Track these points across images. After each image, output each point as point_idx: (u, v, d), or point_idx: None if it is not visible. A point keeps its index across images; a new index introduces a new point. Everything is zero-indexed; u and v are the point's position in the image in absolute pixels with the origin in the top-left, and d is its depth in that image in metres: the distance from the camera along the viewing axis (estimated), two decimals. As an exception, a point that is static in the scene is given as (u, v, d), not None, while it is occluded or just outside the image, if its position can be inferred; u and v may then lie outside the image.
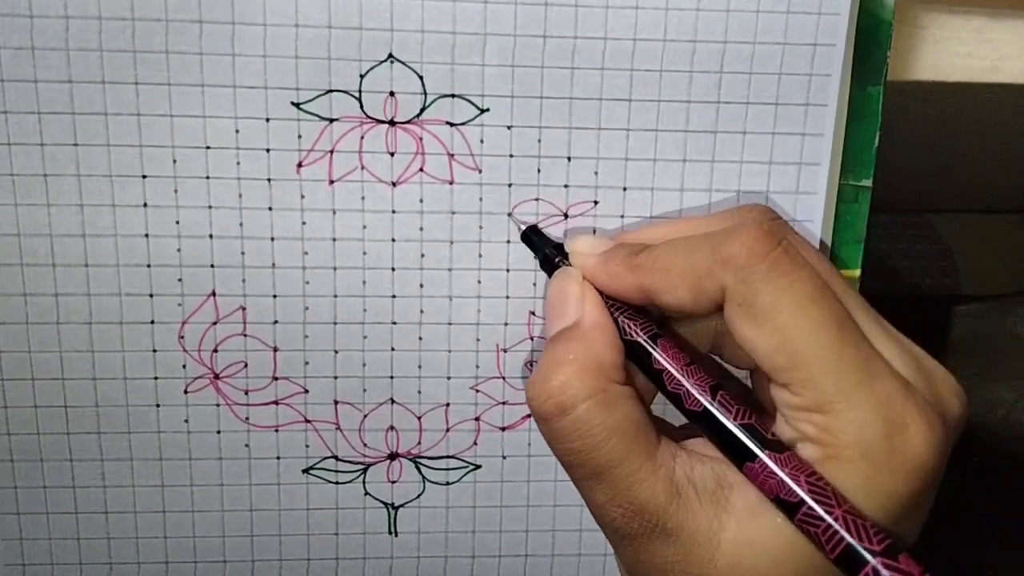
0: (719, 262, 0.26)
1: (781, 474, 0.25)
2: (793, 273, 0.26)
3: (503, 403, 0.36)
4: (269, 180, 0.33)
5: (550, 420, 0.28)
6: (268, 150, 0.33)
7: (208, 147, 0.32)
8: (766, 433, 0.26)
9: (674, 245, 0.28)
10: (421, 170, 0.33)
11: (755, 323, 0.26)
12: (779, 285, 0.26)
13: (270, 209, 0.33)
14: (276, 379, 0.35)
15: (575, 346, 0.28)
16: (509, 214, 0.34)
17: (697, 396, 0.27)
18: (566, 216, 0.34)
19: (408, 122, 0.33)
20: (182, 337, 0.34)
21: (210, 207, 0.33)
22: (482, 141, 0.33)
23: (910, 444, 0.25)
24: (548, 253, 0.32)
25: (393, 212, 0.34)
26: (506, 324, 0.35)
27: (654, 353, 0.28)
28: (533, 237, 0.33)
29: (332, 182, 0.33)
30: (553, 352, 0.29)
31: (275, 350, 0.35)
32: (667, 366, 0.28)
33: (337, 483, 0.36)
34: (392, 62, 0.32)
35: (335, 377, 0.35)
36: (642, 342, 0.28)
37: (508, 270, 0.34)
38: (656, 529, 0.27)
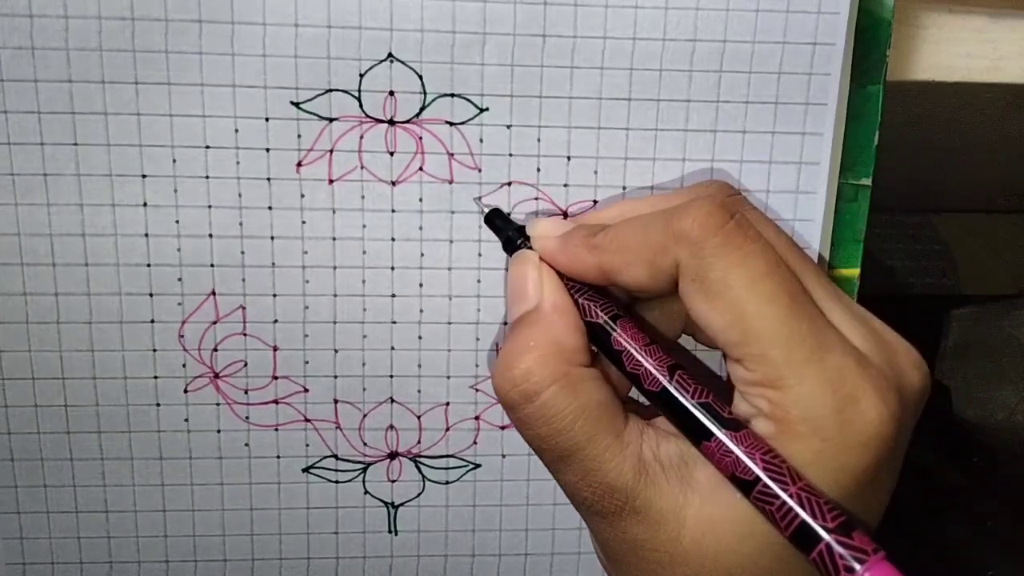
0: (672, 237, 0.26)
1: (737, 451, 0.25)
2: (745, 247, 0.26)
3: (503, 402, 0.36)
4: (269, 179, 0.33)
5: (516, 408, 0.28)
6: (268, 149, 0.33)
7: (208, 146, 0.33)
8: (723, 412, 0.26)
9: (630, 223, 0.28)
10: (421, 169, 0.33)
11: (708, 298, 0.26)
12: (731, 260, 0.26)
13: (270, 208, 0.33)
14: (276, 378, 0.35)
15: (536, 331, 0.28)
16: (476, 199, 0.34)
17: (656, 376, 0.27)
18: (566, 215, 0.34)
19: (408, 121, 0.33)
20: (182, 336, 0.34)
21: (210, 206, 0.33)
22: (481, 140, 0.33)
23: (861, 418, 0.25)
24: (511, 235, 0.32)
25: (393, 211, 0.34)
26: (505, 323, 0.35)
27: (613, 334, 0.28)
28: (496, 220, 0.33)
29: (332, 181, 0.33)
30: (515, 338, 0.29)
31: (275, 349, 0.35)
32: (626, 346, 0.28)
33: (337, 482, 0.36)
34: (392, 61, 0.32)
35: (335, 376, 0.35)
36: (601, 323, 0.28)
37: (507, 269, 0.34)
38: (626, 507, 0.27)
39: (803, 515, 0.24)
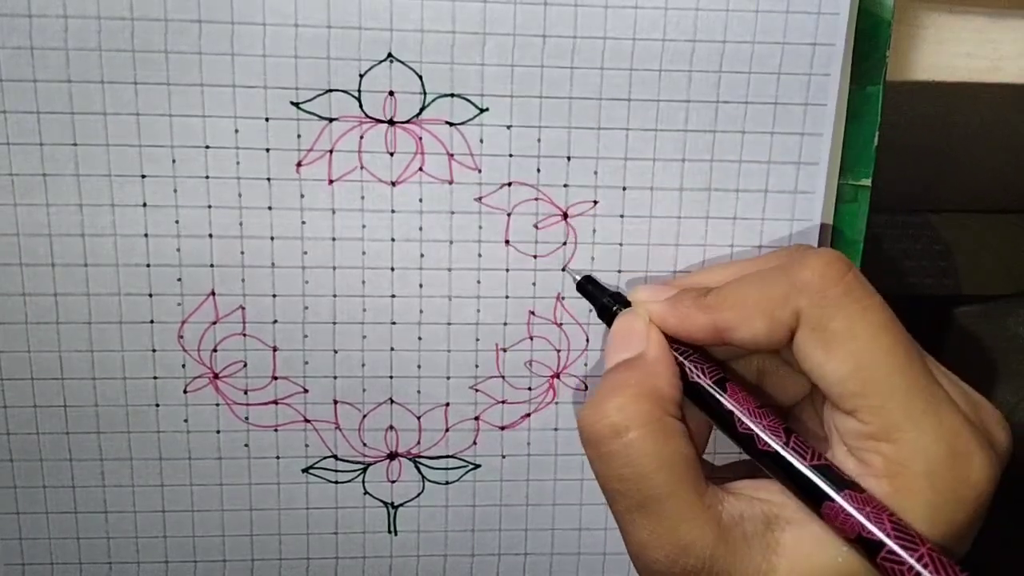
0: (794, 289, 0.27)
1: (860, 515, 0.25)
2: (866, 300, 0.26)
3: (502, 402, 0.36)
4: (268, 180, 0.33)
5: (602, 442, 0.27)
6: (267, 150, 0.33)
7: (207, 147, 0.32)
8: (842, 474, 0.26)
9: (744, 280, 0.28)
10: (420, 170, 0.33)
11: (827, 348, 0.26)
12: (853, 311, 0.26)
13: (269, 209, 0.33)
14: (276, 379, 0.35)
15: (636, 374, 0.28)
16: (563, 269, 0.34)
17: (769, 439, 0.27)
18: (565, 216, 0.34)
19: (407, 122, 0.33)
20: (181, 337, 0.34)
21: (209, 207, 0.33)
22: (481, 141, 0.33)
23: (973, 474, 0.25)
24: (606, 302, 0.32)
25: (392, 212, 0.34)
26: (505, 324, 0.35)
27: (722, 396, 0.28)
28: (589, 287, 0.33)
29: (331, 182, 0.33)
30: (612, 377, 0.29)
31: (274, 350, 0.35)
32: (735, 408, 0.28)
33: (337, 482, 0.36)
34: (391, 62, 0.32)
35: (335, 377, 0.35)
36: (708, 384, 0.28)
37: (507, 270, 0.34)
38: (702, 572, 0.26)
39: None
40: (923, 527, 0.25)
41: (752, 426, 0.27)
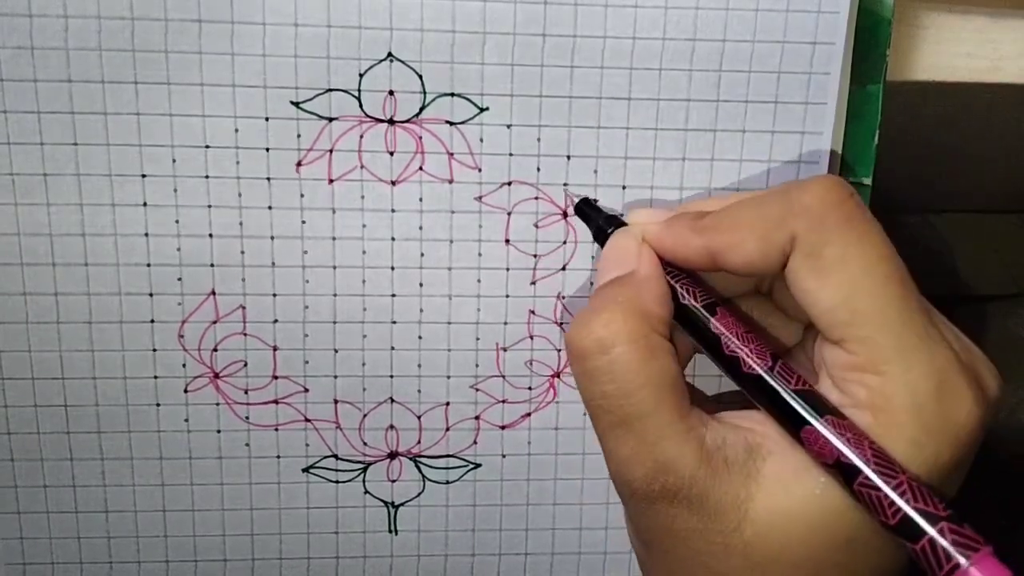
0: (791, 212, 0.26)
1: (839, 441, 0.24)
2: (864, 227, 0.25)
3: (503, 402, 0.36)
4: (269, 179, 0.33)
5: (588, 357, 0.27)
6: (268, 149, 0.33)
7: (208, 146, 0.33)
8: (825, 401, 0.26)
9: (742, 203, 0.28)
10: (421, 169, 0.33)
11: (820, 275, 0.25)
12: (850, 238, 0.25)
13: (270, 208, 0.33)
14: (276, 378, 0.35)
15: (625, 290, 0.28)
16: (564, 184, 0.34)
17: (753, 363, 0.27)
18: (565, 215, 0.34)
19: (407, 121, 0.33)
20: (182, 336, 0.34)
21: (210, 206, 0.33)
22: (481, 140, 0.33)
23: (960, 412, 0.25)
24: (602, 224, 0.31)
25: (393, 211, 0.34)
26: (505, 323, 0.35)
27: (710, 319, 0.28)
28: (586, 209, 0.33)
29: (332, 181, 0.33)
30: (601, 294, 0.28)
31: (275, 349, 0.35)
32: (724, 331, 0.27)
33: (337, 482, 0.36)
34: (391, 61, 0.32)
35: (335, 376, 0.35)
36: (699, 306, 0.28)
37: (508, 269, 0.34)
38: (679, 494, 0.26)
39: (911, 505, 0.24)
40: (905, 462, 0.24)
41: (737, 350, 0.27)
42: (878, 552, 0.25)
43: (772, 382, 0.26)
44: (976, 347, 0.27)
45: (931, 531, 0.23)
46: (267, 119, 0.32)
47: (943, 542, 0.23)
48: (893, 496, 0.24)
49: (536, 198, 0.34)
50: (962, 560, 0.23)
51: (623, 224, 0.31)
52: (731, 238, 0.27)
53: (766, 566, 0.26)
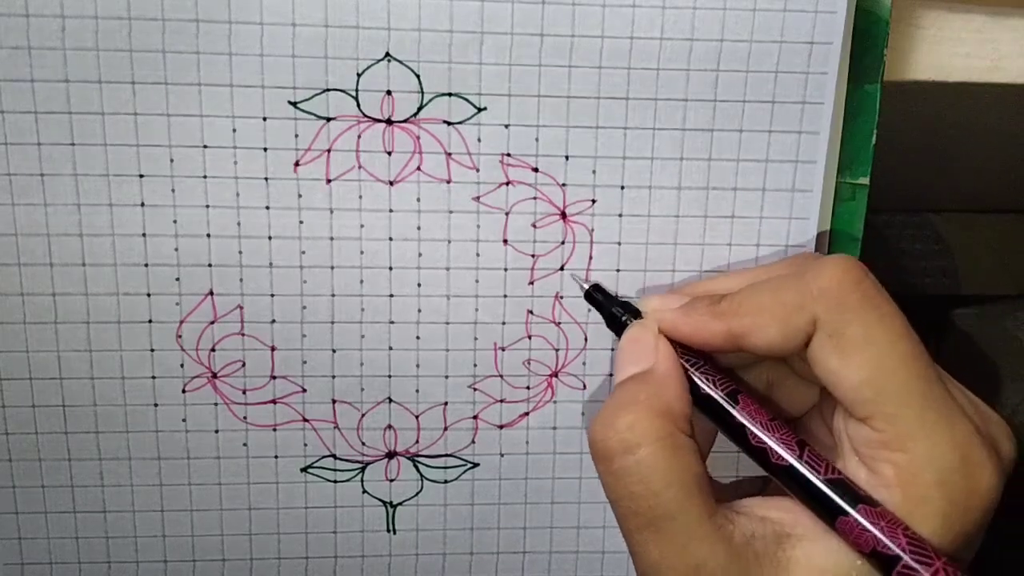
0: (810, 295, 0.27)
1: (875, 530, 0.25)
2: (883, 307, 0.26)
3: (501, 401, 0.36)
4: (266, 179, 0.33)
5: (613, 458, 0.27)
6: (265, 149, 0.33)
7: (205, 146, 0.33)
8: (857, 488, 0.26)
9: (759, 287, 0.28)
10: (418, 169, 0.33)
11: (844, 354, 0.26)
12: (870, 318, 0.26)
13: (267, 208, 0.33)
14: (274, 378, 0.35)
15: (647, 388, 0.28)
16: (568, 272, 0.34)
17: (783, 452, 0.27)
18: (564, 215, 0.34)
19: (405, 121, 0.33)
20: (180, 336, 0.34)
21: (207, 206, 0.33)
22: (479, 140, 0.33)
23: (982, 482, 0.25)
24: (615, 312, 0.32)
25: (390, 211, 0.34)
26: (504, 323, 0.35)
27: (734, 409, 0.28)
28: (597, 296, 0.33)
29: (329, 181, 0.33)
30: (622, 392, 0.28)
31: (273, 349, 0.35)
32: (748, 422, 0.28)
33: (335, 481, 0.36)
34: (389, 61, 0.32)
35: (333, 376, 0.35)
36: (721, 397, 0.28)
37: (506, 269, 0.34)
38: None
39: None
40: (935, 537, 0.25)
41: (766, 439, 0.27)
42: None
43: (805, 472, 0.26)
44: (992, 412, 0.28)
45: None
46: (265, 119, 0.32)
47: None
48: None
49: (534, 198, 0.34)
50: None
51: (635, 310, 0.31)
52: (752, 322, 0.28)
53: None
